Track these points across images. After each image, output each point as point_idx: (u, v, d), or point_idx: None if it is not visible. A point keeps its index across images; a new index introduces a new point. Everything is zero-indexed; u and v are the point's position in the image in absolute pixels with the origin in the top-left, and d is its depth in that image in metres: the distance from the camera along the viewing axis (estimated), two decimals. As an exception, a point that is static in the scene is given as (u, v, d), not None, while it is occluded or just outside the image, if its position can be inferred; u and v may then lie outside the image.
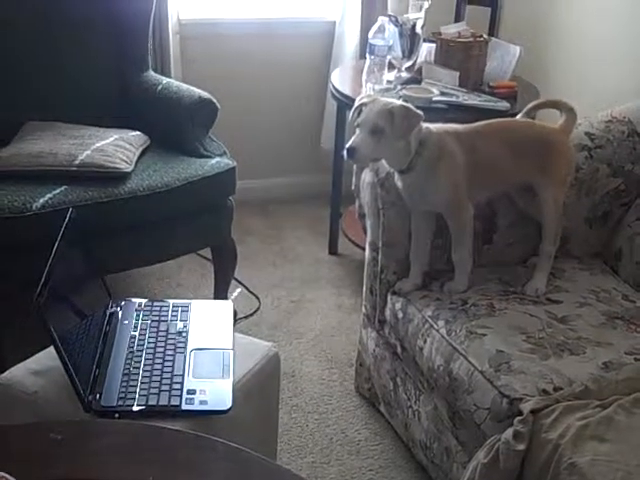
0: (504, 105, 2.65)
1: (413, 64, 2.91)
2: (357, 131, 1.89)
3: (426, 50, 2.95)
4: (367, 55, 2.80)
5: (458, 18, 3.27)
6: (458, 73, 2.77)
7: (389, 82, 2.80)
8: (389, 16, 2.86)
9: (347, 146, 1.87)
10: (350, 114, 1.98)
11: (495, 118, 2.14)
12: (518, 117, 2.18)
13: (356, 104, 1.94)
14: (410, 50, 2.86)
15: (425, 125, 1.96)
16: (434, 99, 2.66)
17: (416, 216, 2.07)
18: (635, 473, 1.43)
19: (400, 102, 1.97)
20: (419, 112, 1.91)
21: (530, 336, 1.83)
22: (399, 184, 2.01)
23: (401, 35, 2.83)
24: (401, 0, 3.22)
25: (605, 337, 1.84)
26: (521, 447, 1.56)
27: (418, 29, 2.84)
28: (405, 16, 2.88)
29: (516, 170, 2.03)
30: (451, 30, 2.90)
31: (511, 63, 2.87)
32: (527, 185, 2.07)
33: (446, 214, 2.02)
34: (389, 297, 2.14)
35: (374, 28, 2.77)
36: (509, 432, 1.58)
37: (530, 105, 2.18)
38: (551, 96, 2.13)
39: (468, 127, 2.02)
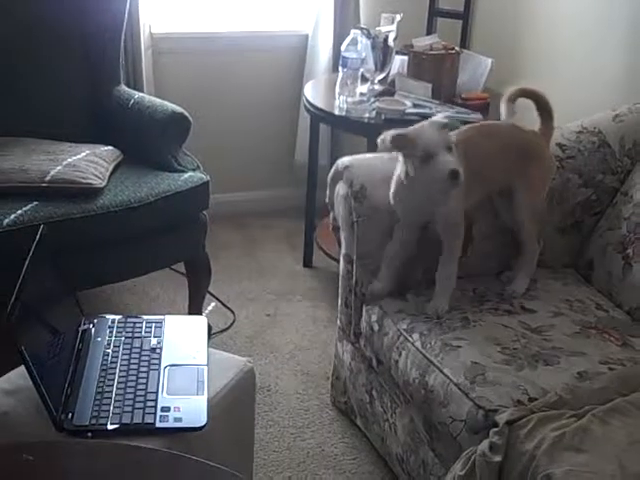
0: (476, 117, 2.67)
1: (386, 76, 2.92)
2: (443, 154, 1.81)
3: (399, 62, 2.96)
4: (340, 68, 2.81)
5: (430, 30, 3.30)
6: (431, 85, 2.79)
7: (362, 95, 2.81)
8: (361, 29, 2.87)
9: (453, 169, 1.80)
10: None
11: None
12: (502, 102, 2.09)
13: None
14: (383, 63, 2.87)
15: None
16: (407, 111, 2.68)
17: (404, 228, 2.03)
18: (610, 483, 1.44)
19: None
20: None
21: (505, 347, 1.83)
22: (399, 194, 1.97)
23: (374, 48, 2.85)
24: (373, 13, 3.25)
25: (579, 347, 1.85)
26: (497, 458, 1.56)
27: (390, 42, 2.85)
28: (377, 29, 2.89)
29: (500, 174, 2.03)
30: (423, 42, 2.93)
31: (483, 75, 2.90)
32: (506, 189, 2.06)
33: (443, 227, 1.97)
34: (364, 310, 2.14)
35: (347, 41, 2.79)
36: (485, 444, 1.58)
37: (512, 90, 2.08)
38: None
39: (459, 133, 1.98)
